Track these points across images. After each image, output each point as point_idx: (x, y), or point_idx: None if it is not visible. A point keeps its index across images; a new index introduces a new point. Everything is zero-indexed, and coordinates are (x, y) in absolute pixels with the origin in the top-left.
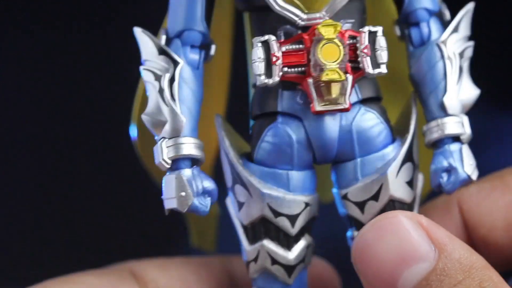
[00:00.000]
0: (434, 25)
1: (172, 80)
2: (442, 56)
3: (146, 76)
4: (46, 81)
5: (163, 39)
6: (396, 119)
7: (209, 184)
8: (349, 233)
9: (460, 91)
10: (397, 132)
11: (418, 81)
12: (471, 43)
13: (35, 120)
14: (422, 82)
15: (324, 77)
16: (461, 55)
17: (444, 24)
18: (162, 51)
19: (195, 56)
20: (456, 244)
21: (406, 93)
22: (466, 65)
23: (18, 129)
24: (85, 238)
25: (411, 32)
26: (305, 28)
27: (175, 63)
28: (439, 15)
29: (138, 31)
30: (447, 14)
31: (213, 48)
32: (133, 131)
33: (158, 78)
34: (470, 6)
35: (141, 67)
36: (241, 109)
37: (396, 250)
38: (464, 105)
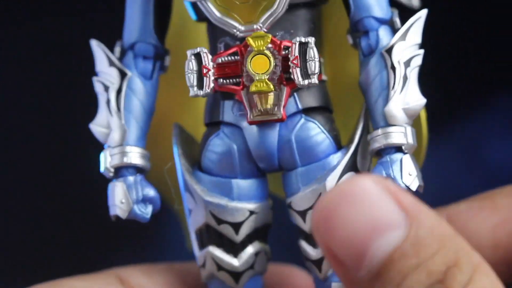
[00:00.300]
0: (383, 33)
1: (119, 91)
2: (386, 65)
3: (97, 87)
4: (45, 81)
5: (117, 51)
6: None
7: (150, 191)
8: (300, 242)
9: (403, 101)
10: (348, 142)
11: (364, 90)
12: (420, 51)
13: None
14: (367, 91)
15: (253, 88)
16: (407, 63)
17: (395, 32)
18: (112, 63)
19: (147, 66)
20: (425, 211)
21: (358, 103)
22: (413, 73)
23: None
24: (74, 242)
25: (360, 41)
26: (243, 40)
27: (124, 75)
28: (390, 24)
29: (93, 44)
30: (398, 22)
31: (167, 59)
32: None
33: (106, 89)
34: (422, 13)
35: (93, 78)
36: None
37: (365, 218)
38: (409, 115)
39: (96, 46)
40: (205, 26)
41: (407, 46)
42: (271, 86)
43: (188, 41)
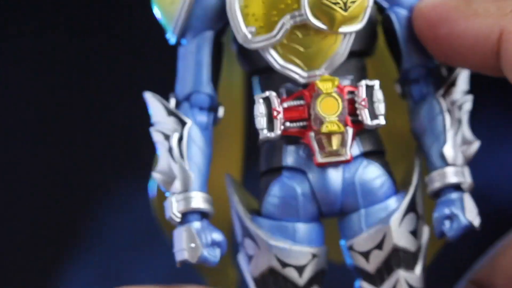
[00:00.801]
0: (433, 80)
1: (180, 139)
2: (441, 110)
3: (156, 136)
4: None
5: (172, 102)
6: (401, 174)
7: (217, 235)
8: (356, 284)
9: (459, 142)
10: (401, 186)
11: (419, 135)
12: (470, 97)
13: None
14: (423, 135)
15: (324, 129)
16: (460, 107)
17: (442, 79)
18: (170, 113)
19: (203, 118)
20: None
21: (408, 149)
22: (465, 118)
23: None
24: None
25: (411, 89)
26: (305, 85)
27: (183, 123)
28: (436, 71)
29: (148, 95)
30: (444, 70)
31: (221, 111)
32: (153, 189)
33: (167, 137)
34: None
35: (151, 129)
36: (257, 168)
37: None
38: (465, 156)
39: (151, 97)
40: (240, 77)
41: (458, 91)
42: (342, 127)
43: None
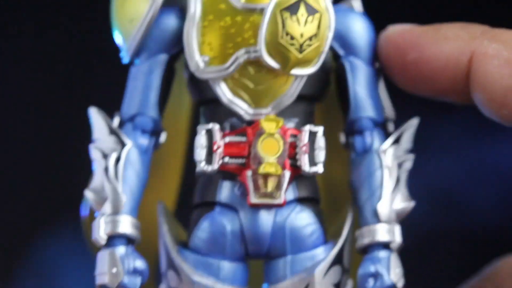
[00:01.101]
0: (378, 135)
1: (118, 160)
2: (381, 165)
3: (94, 154)
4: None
5: (116, 121)
6: (334, 225)
7: (140, 263)
8: None
9: (394, 201)
10: (332, 236)
11: (356, 187)
12: (411, 156)
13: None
14: (359, 188)
15: (261, 170)
16: (400, 166)
17: (387, 135)
18: (112, 132)
19: (144, 141)
20: None
21: (345, 200)
22: (404, 176)
23: None
24: None
25: (354, 140)
26: (250, 122)
27: (123, 144)
28: (383, 126)
29: (92, 111)
30: (391, 127)
31: (163, 136)
32: (85, 208)
33: (105, 156)
34: (414, 122)
35: (91, 145)
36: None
37: None
38: (398, 215)
39: (96, 114)
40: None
41: (400, 149)
42: (279, 170)
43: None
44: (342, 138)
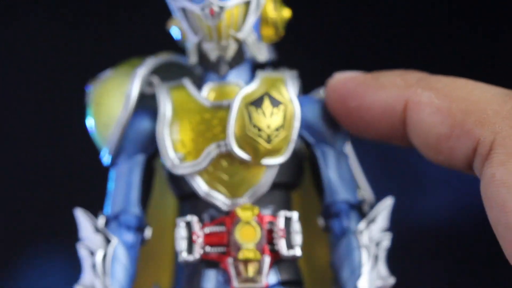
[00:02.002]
0: (354, 216)
1: (105, 257)
2: (359, 245)
3: (82, 252)
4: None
5: (101, 220)
6: None
7: None
8: None
9: (375, 279)
10: None
11: (337, 268)
12: (388, 234)
13: None
14: (340, 269)
15: (241, 256)
16: (378, 244)
17: (363, 216)
18: (98, 230)
19: (130, 237)
20: None
21: (327, 282)
22: (382, 255)
23: None
24: None
25: (332, 223)
26: (228, 212)
27: (109, 241)
28: (358, 207)
29: (78, 212)
30: (366, 208)
31: (148, 232)
32: None
33: (92, 254)
34: (389, 202)
35: (78, 244)
36: None
37: None
38: None
39: (81, 214)
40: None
41: (377, 228)
42: (258, 255)
43: (153, 215)
44: (321, 221)
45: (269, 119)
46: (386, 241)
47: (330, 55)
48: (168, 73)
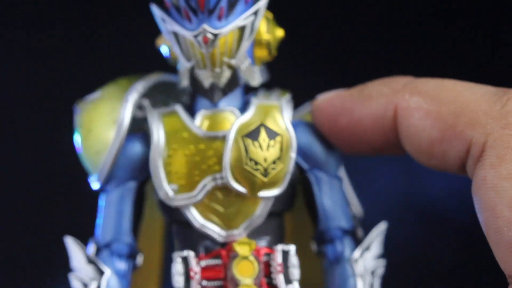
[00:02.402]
0: (348, 243)
1: None
2: (354, 274)
3: (74, 283)
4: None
5: (92, 248)
6: None
7: None
8: None
9: None
10: None
11: None
12: (383, 262)
13: None
14: None
15: None
16: (373, 273)
17: (358, 242)
18: (90, 261)
19: (122, 265)
20: None
21: None
22: (377, 283)
23: None
24: None
25: (326, 249)
26: (224, 243)
27: (102, 273)
28: (352, 233)
29: (69, 241)
30: (360, 233)
31: (139, 258)
32: None
33: (85, 286)
34: (382, 227)
35: (70, 275)
36: None
37: None
38: None
39: (72, 243)
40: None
41: (371, 256)
42: None
43: (143, 238)
44: (314, 246)
45: (265, 152)
46: (380, 268)
47: (322, 72)
48: (159, 93)
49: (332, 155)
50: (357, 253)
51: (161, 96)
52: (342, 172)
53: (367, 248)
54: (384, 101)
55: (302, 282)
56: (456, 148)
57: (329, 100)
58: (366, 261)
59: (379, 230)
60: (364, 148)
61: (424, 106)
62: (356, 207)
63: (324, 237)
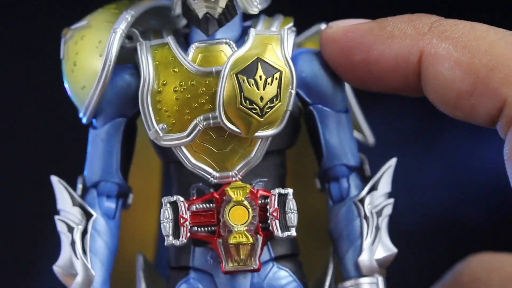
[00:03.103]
0: (354, 181)
1: (84, 233)
2: (359, 215)
3: (59, 226)
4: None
5: (79, 188)
6: (316, 274)
7: None
8: None
9: (376, 252)
10: (315, 287)
11: (335, 238)
12: (391, 200)
13: None
14: (339, 239)
15: (232, 240)
16: (379, 213)
17: (365, 180)
18: (76, 203)
19: (111, 205)
20: None
21: (329, 244)
22: (384, 223)
23: None
24: None
25: (330, 187)
26: (217, 186)
27: (89, 215)
28: (359, 171)
29: (54, 180)
30: (367, 169)
31: (130, 197)
32: None
33: (70, 229)
34: (392, 162)
35: (56, 217)
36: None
37: None
38: (380, 265)
39: (57, 183)
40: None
41: (378, 195)
42: (250, 239)
43: (141, 176)
44: (318, 184)
45: (262, 90)
46: (388, 207)
47: None
48: (152, 20)
49: (339, 88)
50: (363, 193)
51: (155, 23)
52: (351, 98)
53: (374, 188)
54: (408, 43)
55: (305, 220)
56: (488, 105)
57: (343, 32)
58: (372, 202)
59: (388, 166)
60: (377, 87)
61: (454, 54)
62: (368, 135)
63: (329, 174)
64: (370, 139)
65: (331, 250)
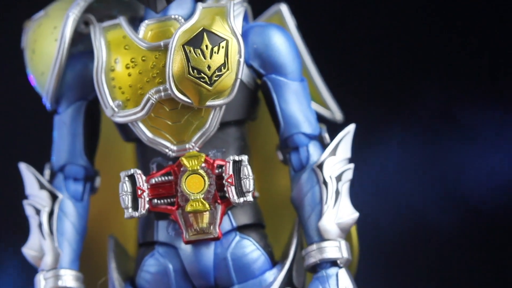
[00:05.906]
0: (313, 149)
1: (51, 214)
2: (318, 181)
3: (28, 210)
4: None
5: (47, 173)
6: (284, 243)
7: None
8: None
9: (337, 216)
10: (281, 258)
11: (297, 205)
12: (351, 165)
13: None
14: (300, 206)
15: (189, 208)
16: (339, 178)
17: (324, 147)
18: (43, 186)
19: (78, 188)
20: None
21: (294, 215)
22: (345, 188)
23: None
24: None
25: (291, 157)
26: (177, 159)
27: (55, 198)
28: (319, 139)
29: (22, 167)
30: (326, 138)
31: (97, 180)
32: None
33: (38, 212)
34: (350, 128)
35: (24, 201)
36: None
37: None
38: (342, 229)
39: (26, 169)
40: (132, 145)
41: (337, 161)
42: (207, 206)
43: (116, 160)
44: (280, 155)
45: (209, 59)
46: (348, 172)
47: None
48: (111, 7)
49: (292, 57)
50: (321, 158)
51: (116, 11)
52: (313, 73)
53: (333, 153)
54: None
55: (274, 194)
56: None
57: None
58: (331, 167)
59: (346, 132)
60: None
61: None
62: (335, 111)
63: (288, 144)
64: (338, 114)
65: (296, 219)
